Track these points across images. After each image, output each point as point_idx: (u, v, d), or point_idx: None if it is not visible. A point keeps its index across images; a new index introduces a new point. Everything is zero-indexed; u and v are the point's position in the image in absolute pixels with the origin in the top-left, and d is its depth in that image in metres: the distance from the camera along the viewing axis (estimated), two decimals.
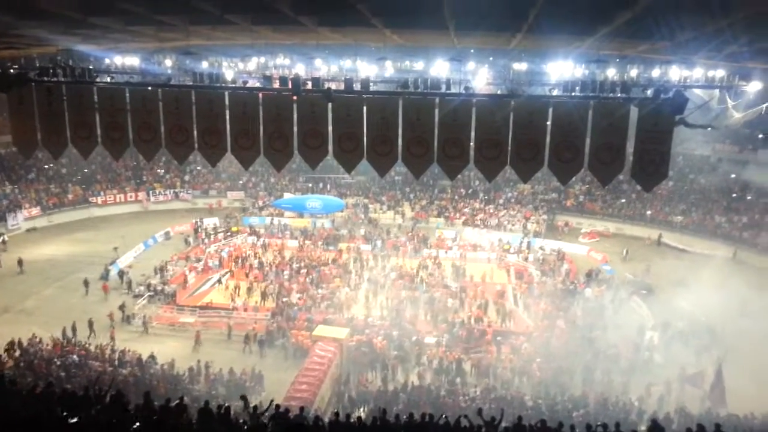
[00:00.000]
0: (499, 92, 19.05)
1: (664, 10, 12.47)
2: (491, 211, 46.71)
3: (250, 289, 31.97)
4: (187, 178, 51.77)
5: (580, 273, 35.91)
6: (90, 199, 47.30)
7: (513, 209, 46.93)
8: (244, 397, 14.47)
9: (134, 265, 36.60)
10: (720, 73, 29.06)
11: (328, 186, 49.86)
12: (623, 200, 47.17)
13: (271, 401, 13.57)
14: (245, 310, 30.04)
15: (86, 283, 32.27)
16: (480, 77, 35.55)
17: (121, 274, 33.74)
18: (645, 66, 34.73)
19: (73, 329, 26.27)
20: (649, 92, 15.04)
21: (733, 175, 44.78)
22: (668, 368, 24.29)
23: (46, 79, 17.13)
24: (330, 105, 16.00)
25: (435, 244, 40.77)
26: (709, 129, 29.21)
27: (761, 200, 42.23)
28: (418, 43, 25.84)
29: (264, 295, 31.36)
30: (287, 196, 44.86)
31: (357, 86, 16.33)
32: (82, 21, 16.76)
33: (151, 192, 49.95)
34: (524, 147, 15.53)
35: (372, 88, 16.81)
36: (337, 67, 40.35)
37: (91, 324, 27.00)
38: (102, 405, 13.01)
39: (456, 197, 48.90)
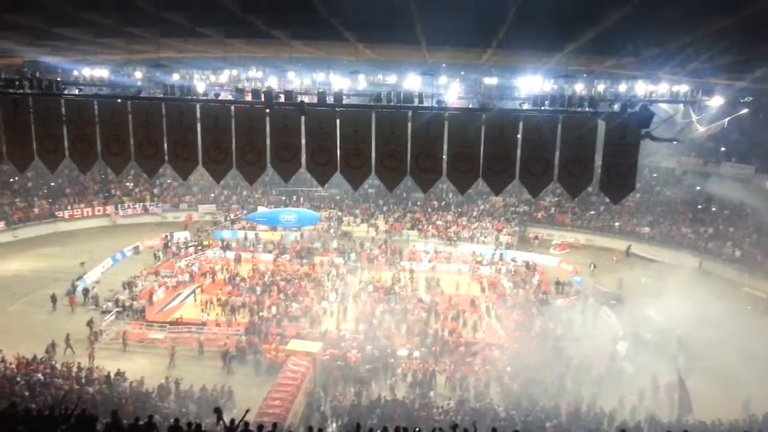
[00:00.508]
0: (470, 106, 19.28)
1: (628, 27, 12.81)
2: (464, 223, 47.05)
3: (222, 304, 31.54)
4: (156, 191, 51.04)
5: (551, 284, 36.33)
6: (56, 213, 46.27)
7: (485, 222, 47.36)
8: (218, 410, 14.22)
9: (102, 280, 35.89)
10: (684, 88, 29.88)
11: (301, 199, 49.70)
12: (592, 212, 48.03)
13: (246, 411, 13.33)
14: (217, 325, 29.62)
15: (54, 298, 31.53)
16: (452, 91, 35.93)
17: (86, 291, 32.83)
18: (612, 81, 35.55)
19: (53, 346, 25.73)
20: (616, 107, 15.39)
21: (698, 187, 45.93)
22: (638, 377, 24.67)
23: (11, 90, 16.76)
24: (303, 118, 15.97)
25: (408, 256, 40.85)
26: (675, 142, 29.93)
27: (725, 212, 43.38)
28: (391, 58, 26.05)
29: (234, 310, 30.96)
30: (261, 209, 44.59)
31: (330, 99, 16.36)
32: (49, 32, 16.52)
33: (119, 206, 49.09)
34: (496, 160, 15.70)
35: (345, 101, 16.87)
36: (310, 80, 40.40)
37: (67, 340, 26.47)
38: (68, 425, 12.69)
39: (429, 210, 49.15)
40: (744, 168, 44.10)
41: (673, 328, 28.34)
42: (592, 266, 38.94)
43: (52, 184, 47.39)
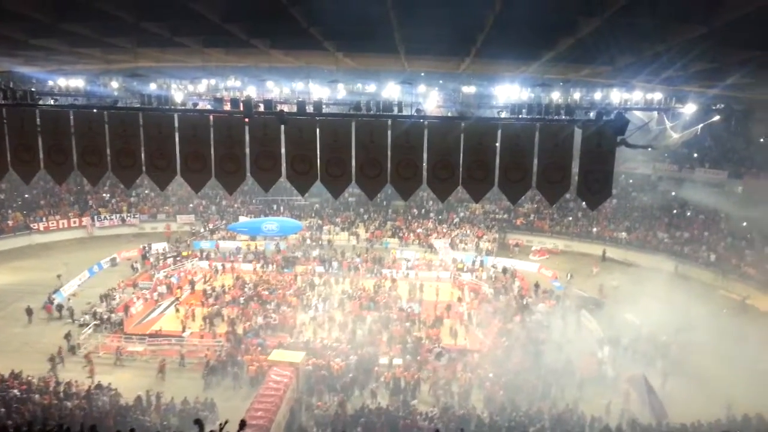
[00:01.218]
0: (449, 114, 19.46)
1: (603, 36, 13.05)
2: (444, 230, 47.25)
3: (205, 316, 31.21)
4: (134, 200, 50.42)
5: (531, 290, 36.61)
6: (31, 225, 45.38)
7: (465, 229, 47.62)
8: (198, 422, 14.03)
9: (79, 293, 35.33)
10: (658, 95, 30.48)
11: (282, 208, 49.50)
12: (570, 218, 48.55)
13: (225, 421, 13.16)
14: (202, 336, 29.32)
15: (29, 311, 30.95)
16: (431, 100, 36.24)
17: (60, 308, 32.06)
18: (587, 89, 36.10)
19: (60, 358, 25.89)
20: (592, 114, 15.66)
21: (673, 193, 46.73)
22: (619, 381, 24.93)
23: None
24: (283, 127, 15.97)
25: (389, 264, 40.89)
26: (649, 149, 30.50)
27: (700, 216, 44.18)
28: (370, 67, 26.15)
29: (214, 321, 30.69)
30: (242, 219, 44.30)
31: (310, 108, 16.40)
32: (25, 43, 16.31)
33: (95, 217, 48.35)
34: (475, 168, 15.86)
35: (325, 110, 16.92)
36: (289, 90, 40.38)
37: (59, 353, 26.20)
38: None
39: (409, 217, 49.29)
40: (717, 173, 44.99)
41: (652, 332, 28.75)
42: (568, 275, 39.15)
43: (27, 195, 46.57)
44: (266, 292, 34.18)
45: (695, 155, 47.28)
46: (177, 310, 32.44)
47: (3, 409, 19.62)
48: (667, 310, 28.89)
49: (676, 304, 29.73)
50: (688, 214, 45.29)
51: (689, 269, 39.81)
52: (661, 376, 24.59)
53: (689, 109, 29.12)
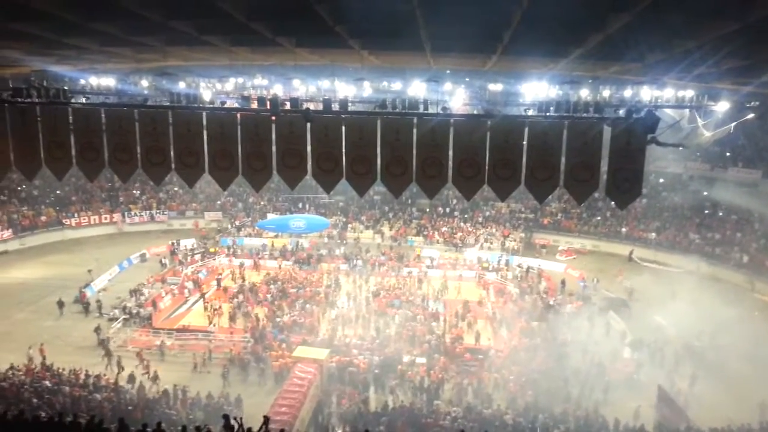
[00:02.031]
0: (475, 112, 19.31)
1: (634, 32, 12.80)
2: (470, 229, 47.00)
3: (230, 313, 31.54)
4: (163, 197, 51.25)
5: (557, 290, 36.20)
6: (64, 221, 46.48)
7: (491, 227, 47.29)
8: (226, 416, 14.19)
9: (109, 287, 36.02)
10: (690, 93, 29.84)
11: (307, 206, 49.79)
12: (598, 218, 47.86)
13: (266, 418, 13.28)
14: (231, 332, 29.61)
15: (60, 304, 31.68)
16: (457, 98, 35.97)
17: (86, 306, 32.31)
18: (617, 87, 35.48)
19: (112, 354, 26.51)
20: (622, 112, 15.38)
21: (705, 193, 45.73)
22: (646, 384, 24.54)
23: (19, 100, 16.91)
24: (309, 125, 16.04)
25: (414, 262, 40.83)
26: (681, 147, 29.86)
27: (732, 217, 43.17)
28: (396, 64, 26.09)
29: (233, 318, 31.01)
30: (271, 216, 44.61)
31: (335, 106, 16.41)
32: (57, 42, 16.64)
33: (126, 213, 49.29)
34: (501, 166, 15.70)
35: (350, 108, 16.91)
36: (316, 88, 40.51)
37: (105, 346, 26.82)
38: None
39: (435, 216, 49.13)
40: (751, 172, 43.88)
41: (681, 334, 28.21)
42: (595, 280, 38.19)
43: (59, 192, 47.65)
44: (293, 290, 34.34)
45: (728, 154, 46.20)
46: (205, 307, 32.75)
47: (35, 400, 20.14)
48: (697, 312, 28.30)
49: (706, 306, 29.11)
50: (720, 214, 44.30)
51: (720, 271, 38.95)
52: (689, 379, 24.13)
53: (722, 106, 28.37)
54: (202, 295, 34.65)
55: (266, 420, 12.85)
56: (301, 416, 21.38)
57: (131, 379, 24.41)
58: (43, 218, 45.80)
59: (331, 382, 24.75)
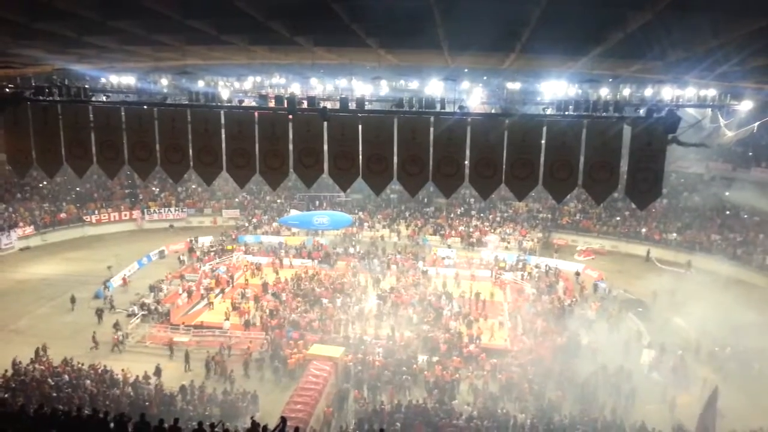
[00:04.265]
0: (493, 111, 19.17)
1: (655, 30, 12.61)
2: (486, 229, 46.79)
3: (247, 310, 31.69)
4: (182, 194, 51.74)
5: (575, 290, 35.88)
6: (84, 217, 47.14)
7: (509, 227, 47.03)
8: (254, 423, 14.30)
9: (128, 284, 36.43)
10: (712, 92, 29.35)
11: (324, 204, 49.92)
12: (618, 218, 47.35)
13: (283, 420, 13.32)
14: (249, 330, 29.70)
15: (73, 299, 32.27)
16: (474, 96, 35.80)
17: (99, 312, 31.29)
18: (638, 86, 35.06)
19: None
20: (642, 111, 15.18)
21: (727, 193, 45.01)
22: (665, 386, 24.24)
23: (41, 98, 17.18)
24: (325, 124, 16.06)
25: (430, 261, 40.75)
26: (702, 147, 29.39)
27: (755, 218, 42.45)
28: (413, 63, 26.00)
29: (250, 314, 31.13)
30: (294, 212, 44.83)
31: (352, 105, 16.41)
32: (77, 40, 16.83)
33: (145, 210, 49.84)
34: (519, 165, 15.58)
35: (367, 107, 16.93)
36: (333, 87, 40.59)
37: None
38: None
39: (452, 215, 48.98)
40: None
41: (702, 336, 27.80)
42: (608, 290, 36.85)
43: (79, 188, 48.32)
44: (318, 289, 34.39)
45: (750, 154, 45.44)
46: (229, 304, 32.78)
47: (55, 394, 20.45)
48: (718, 314, 27.86)
49: (727, 307, 28.64)
50: (744, 216, 43.58)
51: (742, 272, 38.29)
52: (708, 383, 23.75)
53: (745, 106, 27.85)
54: (220, 292, 34.87)
55: (284, 421, 12.90)
56: (316, 413, 21.45)
57: (157, 371, 24.59)
58: (64, 215, 46.48)
59: (346, 380, 24.75)
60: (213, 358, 26.17)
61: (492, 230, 46.57)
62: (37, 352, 25.35)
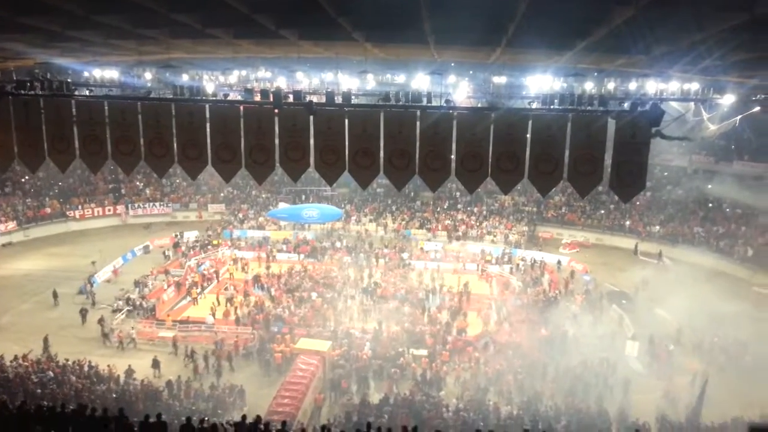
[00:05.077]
0: (479, 105, 19.24)
1: (639, 25, 12.72)
2: (473, 222, 46.97)
3: (234, 304, 31.61)
4: (166, 189, 51.35)
5: (560, 283, 36.19)
6: (67, 212, 46.62)
7: (495, 220, 47.26)
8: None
9: (112, 279, 36.16)
10: (695, 86, 29.64)
11: (310, 198, 49.79)
12: (602, 211, 47.77)
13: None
14: (234, 324, 29.52)
15: (55, 295, 31.99)
16: (460, 90, 35.93)
17: (83, 311, 30.58)
18: (622, 79, 35.37)
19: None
20: (627, 105, 15.32)
21: (709, 186, 45.57)
22: (649, 378, 24.58)
23: (23, 92, 16.93)
24: (312, 118, 16.02)
25: (416, 255, 40.86)
26: (685, 141, 29.70)
27: (737, 210, 43.03)
28: (399, 57, 25.99)
29: (236, 308, 31.09)
30: (282, 205, 44.64)
31: (338, 99, 16.39)
32: (61, 34, 16.62)
33: (129, 205, 49.40)
34: (504, 159, 15.67)
35: (353, 101, 16.88)
36: (319, 80, 40.48)
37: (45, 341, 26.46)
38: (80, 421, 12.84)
39: (438, 209, 49.10)
40: (756, 166, 43.73)
41: (684, 328, 28.19)
42: (587, 285, 37.08)
43: (61, 183, 47.76)
44: (306, 284, 34.32)
45: (733, 147, 46.02)
46: (218, 301, 32.64)
47: (39, 390, 20.27)
48: (701, 306, 28.23)
49: (709, 299, 29.04)
50: (726, 208, 44.15)
51: (724, 264, 38.85)
52: (691, 374, 24.14)
53: (728, 99, 28.17)
54: (204, 288, 34.73)
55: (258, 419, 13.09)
56: (303, 407, 21.48)
57: (155, 363, 24.59)
58: (47, 210, 45.93)
59: (334, 374, 24.79)
60: (213, 352, 26.16)
61: (478, 224, 46.76)
62: (45, 341, 25.83)
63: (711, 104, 30.02)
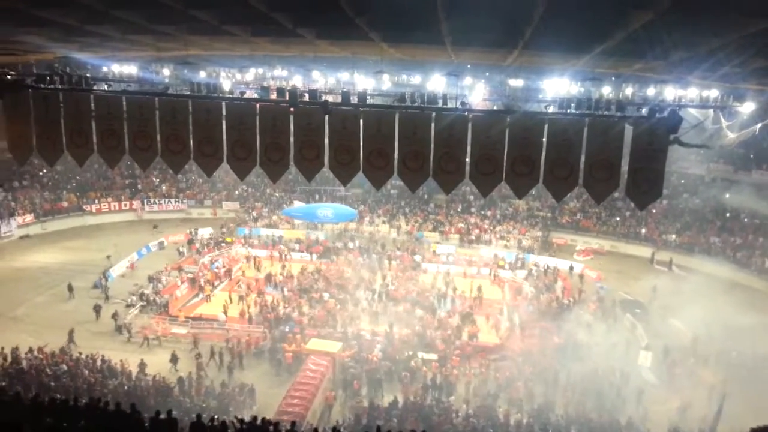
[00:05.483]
0: (495, 108, 19.15)
1: (658, 30, 12.57)
2: (486, 226, 46.76)
3: (247, 303, 31.72)
4: (182, 186, 51.70)
5: (574, 290, 35.88)
6: (84, 206, 47.07)
7: (508, 225, 47.00)
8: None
9: (127, 274, 36.46)
10: (714, 93, 29.30)
11: (324, 198, 49.83)
12: (618, 218, 47.32)
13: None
14: (251, 322, 29.69)
15: (70, 288, 32.31)
16: (476, 93, 35.72)
17: (97, 308, 30.57)
18: (640, 85, 35.00)
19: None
20: (644, 111, 15.16)
21: (727, 195, 44.96)
22: (662, 388, 24.27)
23: (43, 86, 17.16)
24: (327, 117, 16.03)
25: (429, 258, 40.75)
26: (704, 149, 29.37)
27: (755, 220, 42.41)
28: (416, 58, 25.94)
29: (249, 306, 31.17)
30: (297, 204, 44.79)
31: (354, 99, 16.38)
32: (80, 28, 16.78)
33: (145, 201, 49.80)
34: (519, 163, 15.57)
35: (369, 101, 16.89)
36: (335, 80, 40.52)
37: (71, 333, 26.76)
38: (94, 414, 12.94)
39: (451, 212, 48.94)
40: None
41: (699, 338, 27.80)
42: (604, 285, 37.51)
43: (78, 177, 48.21)
44: (319, 285, 34.33)
45: (752, 156, 45.38)
46: (231, 298, 32.70)
47: (53, 383, 20.48)
48: (716, 317, 27.84)
49: (725, 310, 28.63)
50: (744, 218, 43.53)
51: (741, 275, 38.29)
52: (706, 386, 23.78)
53: (747, 107, 27.79)
54: (217, 285, 34.89)
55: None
56: (313, 408, 21.48)
57: (173, 358, 24.86)
58: (65, 204, 46.43)
59: (344, 376, 24.76)
60: (228, 349, 26.37)
61: (491, 228, 46.54)
62: (70, 333, 26.30)
63: (730, 112, 29.60)
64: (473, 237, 45.24)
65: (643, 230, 45.77)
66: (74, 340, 26.32)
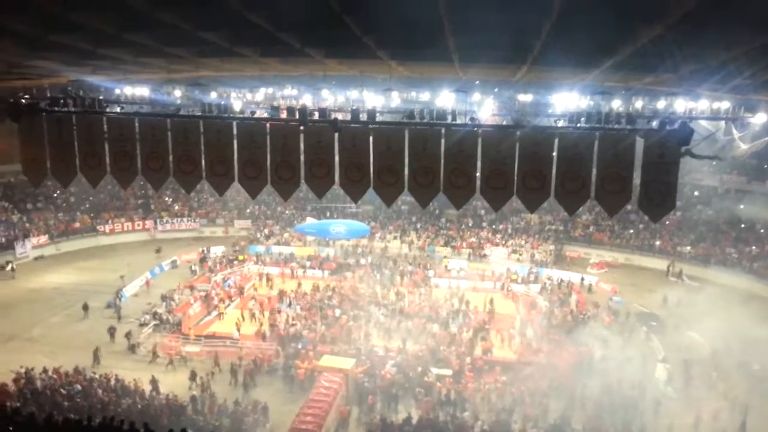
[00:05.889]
0: (504, 123, 19.14)
1: (666, 44, 12.55)
2: (498, 240, 46.57)
3: (260, 321, 31.71)
4: (194, 205, 52.07)
5: (588, 303, 35.56)
6: (98, 227, 47.53)
7: (521, 239, 46.79)
8: None
9: (140, 293, 36.63)
10: (725, 104, 29.10)
11: (335, 215, 49.94)
12: (631, 231, 46.97)
13: None
14: (264, 339, 29.67)
15: (85, 307, 32.47)
16: (485, 108, 35.69)
17: (111, 330, 30.34)
18: (650, 98, 34.84)
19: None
20: (655, 123, 15.08)
21: (741, 206, 44.56)
22: (680, 403, 23.89)
23: (56, 109, 17.34)
24: (336, 135, 16.10)
25: (440, 273, 40.60)
26: (716, 160, 29.16)
27: None
28: (424, 75, 26.06)
29: (262, 323, 31.16)
30: (310, 220, 44.92)
31: (363, 116, 16.43)
32: (92, 52, 17.03)
33: (158, 220, 50.16)
34: (530, 177, 15.50)
35: (378, 118, 16.92)
36: (344, 98, 40.74)
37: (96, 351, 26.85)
38: None
39: (462, 227, 48.83)
40: None
41: (718, 352, 27.40)
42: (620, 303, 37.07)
43: (92, 198, 48.72)
44: (333, 302, 34.24)
45: (765, 166, 44.99)
46: (243, 316, 32.69)
47: (66, 403, 20.52)
48: (734, 329, 27.45)
49: (742, 322, 28.21)
50: (760, 229, 43.05)
51: (758, 286, 37.78)
52: (725, 399, 23.39)
53: (759, 118, 27.54)
54: (230, 303, 34.92)
55: None
56: (326, 425, 21.35)
57: (192, 375, 24.93)
58: (78, 224, 46.90)
59: (357, 393, 24.62)
60: (243, 367, 26.34)
61: (503, 242, 46.35)
62: (95, 353, 26.67)
63: (742, 123, 29.37)
64: (485, 252, 45.01)
65: (658, 242, 45.42)
66: (99, 359, 26.59)
